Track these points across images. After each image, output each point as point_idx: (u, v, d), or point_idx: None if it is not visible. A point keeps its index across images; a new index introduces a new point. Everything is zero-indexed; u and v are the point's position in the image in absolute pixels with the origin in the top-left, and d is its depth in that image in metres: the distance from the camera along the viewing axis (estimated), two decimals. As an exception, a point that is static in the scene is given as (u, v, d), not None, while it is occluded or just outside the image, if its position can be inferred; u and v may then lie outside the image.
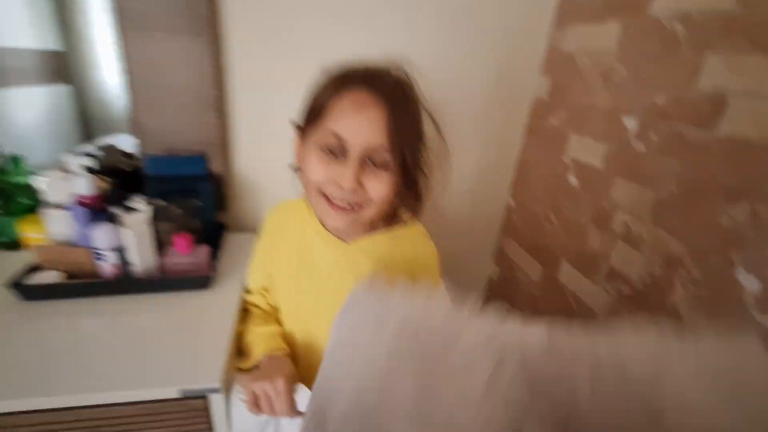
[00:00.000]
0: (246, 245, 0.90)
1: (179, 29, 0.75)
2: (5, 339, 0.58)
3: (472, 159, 1.09)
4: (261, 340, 0.66)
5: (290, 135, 0.66)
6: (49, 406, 0.51)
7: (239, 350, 0.67)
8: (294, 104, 0.63)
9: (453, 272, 1.23)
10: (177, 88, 0.80)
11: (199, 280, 0.73)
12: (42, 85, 0.96)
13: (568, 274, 0.92)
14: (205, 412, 0.56)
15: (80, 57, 0.95)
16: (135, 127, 0.81)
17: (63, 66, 0.95)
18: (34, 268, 0.69)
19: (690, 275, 0.64)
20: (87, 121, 1.01)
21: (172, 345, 0.60)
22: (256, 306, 0.76)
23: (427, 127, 0.62)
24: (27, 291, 0.66)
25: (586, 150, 0.86)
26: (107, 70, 0.96)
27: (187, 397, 0.54)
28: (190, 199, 0.75)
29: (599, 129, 0.83)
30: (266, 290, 0.75)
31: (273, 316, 0.75)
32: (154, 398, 0.53)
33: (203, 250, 0.75)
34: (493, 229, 1.22)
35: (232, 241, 0.93)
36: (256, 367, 0.62)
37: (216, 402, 0.56)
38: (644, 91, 0.72)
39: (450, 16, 0.89)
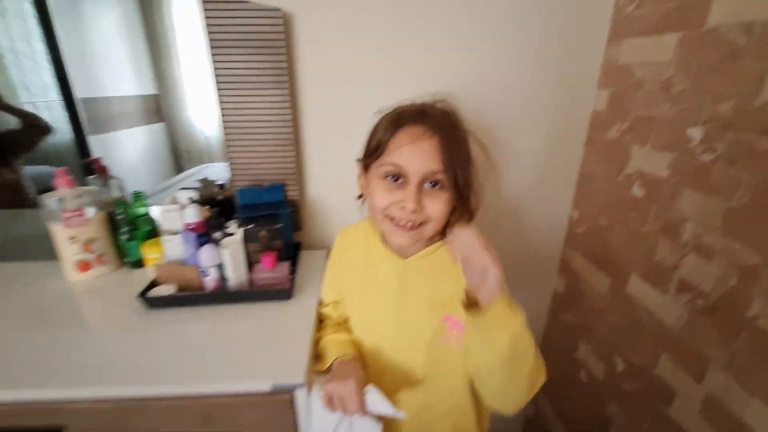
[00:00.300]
0: (318, 261, 1.01)
1: (265, 84, 0.90)
2: (135, 339, 0.73)
3: (533, 172, 1.10)
4: (333, 346, 0.75)
5: (351, 164, 0.76)
6: (170, 393, 0.63)
7: (316, 355, 0.76)
8: (355, 140, 0.73)
9: (517, 285, 1.24)
10: (262, 130, 0.94)
11: (282, 293, 0.84)
12: (141, 125, 1.14)
13: (637, 287, 0.90)
14: (291, 405, 0.65)
15: (171, 99, 1.12)
16: (229, 163, 0.96)
17: (157, 107, 1.13)
18: (154, 283, 0.85)
19: (768, 287, 0.61)
20: (177, 153, 1.20)
21: (261, 347, 0.71)
22: (329, 317, 0.85)
23: (475, 149, 0.68)
24: (150, 301, 0.81)
25: (649, 161, 0.85)
26: (192, 109, 1.13)
27: (276, 392, 0.63)
28: (272, 222, 0.87)
29: (662, 140, 0.81)
30: (337, 303, 0.85)
31: (343, 325, 0.83)
32: (249, 391, 0.63)
33: (284, 267, 0.86)
34: (557, 241, 1.21)
35: (306, 257, 1.04)
36: (330, 370, 0.71)
37: (300, 397, 0.65)
38: (706, 101, 0.71)
39: (508, 34, 0.94)
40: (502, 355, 0.56)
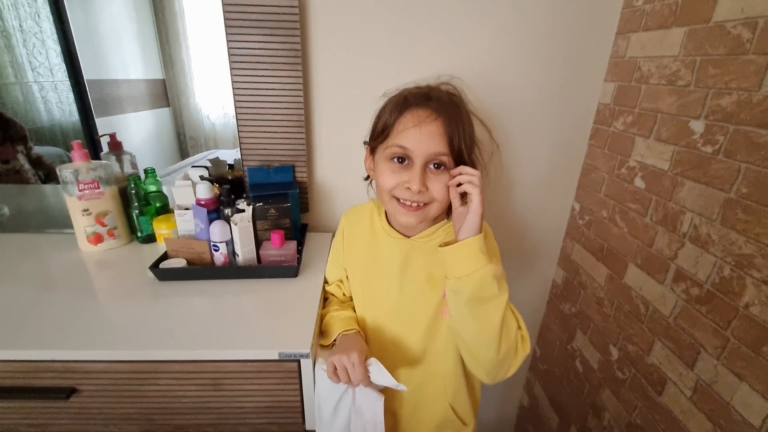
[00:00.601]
0: (323, 242, 1.04)
1: (278, 65, 0.92)
2: (147, 308, 0.76)
3: (537, 163, 1.12)
4: (338, 321, 0.77)
5: (358, 148, 0.78)
6: (181, 358, 0.66)
7: (320, 331, 0.79)
8: (362, 124, 0.75)
9: (517, 274, 1.26)
10: (273, 111, 0.96)
11: (289, 270, 0.86)
12: (148, 109, 1.16)
13: (635, 276, 0.92)
14: (297, 374, 0.68)
15: (178, 84, 1.14)
16: (240, 143, 0.98)
17: (164, 91, 1.14)
18: (165, 256, 0.88)
19: (762, 275, 0.64)
20: (181, 138, 1.22)
21: (268, 320, 0.73)
22: (333, 295, 0.88)
23: (478, 129, 0.70)
24: (161, 273, 0.83)
25: (652, 153, 0.87)
26: (198, 95, 1.15)
27: (283, 360, 0.66)
28: (281, 201, 0.89)
29: (665, 132, 0.83)
30: (341, 281, 0.87)
31: (347, 303, 0.86)
32: (257, 358, 0.66)
33: (292, 245, 0.88)
34: (558, 232, 1.23)
35: (312, 238, 1.06)
36: (334, 344, 0.73)
37: (305, 366, 0.67)
38: (710, 94, 0.72)
39: (517, 26, 0.96)
40: (467, 291, 0.60)
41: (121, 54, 1.12)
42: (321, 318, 0.80)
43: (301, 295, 0.81)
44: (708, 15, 0.72)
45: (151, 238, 1.01)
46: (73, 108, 1.10)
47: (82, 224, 0.94)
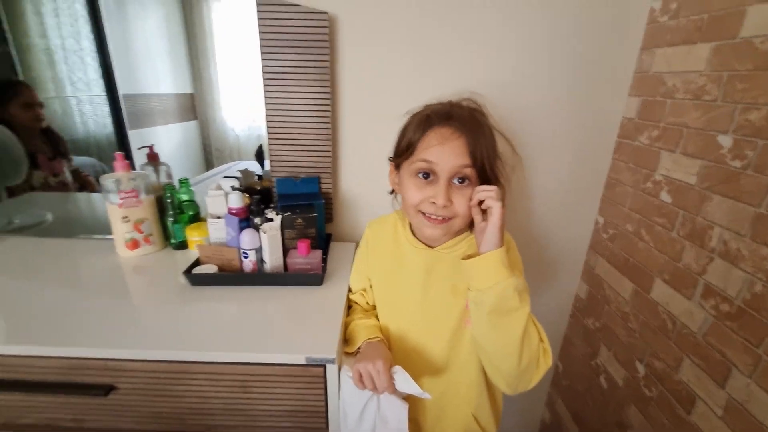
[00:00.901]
0: (347, 252, 1.06)
1: (308, 82, 0.96)
2: (180, 311, 0.79)
3: (560, 177, 1.13)
4: (362, 329, 0.79)
5: (381, 162, 0.82)
6: (212, 359, 0.69)
7: (345, 338, 0.81)
8: (385, 138, 0.78)
9: (539, 287, 1.26)
10: (301, 125, 1.00)
11: (314, 278, 0.89)
12: (176, 122, 1.22)
13: (662, 292, 0.91)
14: (323, 379, 0.70)
15: (206, 98, 1.20)
16: (270, 155, 1.02)
17: (192, 105, 1.20)
18: (198, 262, 0.92)
19: (795, 293, 0.62)
20: (207, 150, 1.26)
21: (294, 325, 0.76)
22: (357, 303, 0.90)
23: (501, 143, 0.72)
24: (194, 278, 0.87)
25: (679, 167, 0.86)
26: (225, 109, 1.20)
27: (309, 365, 0.68)
28: (308, 211, 0.93)
29: (692, 147, 0.83)
30: (365, 290, 0.89)
31: (371, 311, 0.88)
32: (284, 362, 0.68)
33: (317, 254, 0.91)
34: (581, 246, 1.22)
35: (336, 248, 1.09)
36: (358, 351, 0.75)
37: (331, 371, 0.69)
38: (738, 109, 0.72)
39: (541, 40, 0.98)
40: (489, 303, 0.61)
41: (153, 69, 1.19)
42: (345, 326, 0.82)
43: (325, 302, 0.83)
44: (735, 31, 0.73)
45: (183, 245, 1.06)
46: (108, 120, 1.18)
47: (121, 231, 0.99)
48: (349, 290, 0.90)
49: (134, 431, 0.76)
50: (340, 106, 1.04)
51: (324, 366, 0.69)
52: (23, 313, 0.77)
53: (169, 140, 1.23)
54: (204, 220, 1.05)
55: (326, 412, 0.73)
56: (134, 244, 1.01)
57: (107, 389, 0.71)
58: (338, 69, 1.00)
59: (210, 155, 1.27)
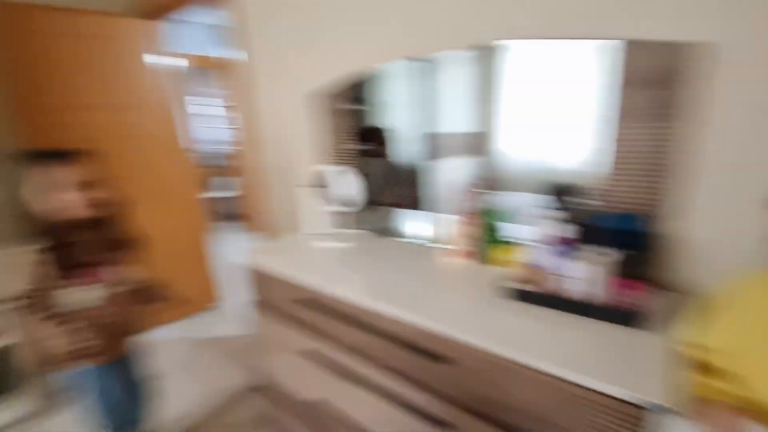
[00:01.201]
0: (673, 302, 0.98)
1: (657, 118, 0.98)
2: (500, 315, 0.96)
3: None
4: (721, 393, 0.69)
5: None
6: (535, 366, 0.80)
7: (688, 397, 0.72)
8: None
9: None
10: (637, 161, 1.02)
11: (635, 318, 0.87)
12: (464, 156, 1.42)
13: None
14: (636, 421, 0.69)
15: (489, 135, 1.34)
16: (606, 189, 1.09)
17: (478, 143, 1.36)
18: (512, 279, 1.07)
19: None
20: (489, 183, 1.36)
21: (610, 360, 0.78)
22: (712, 366, 0.75)
23: None
24: (517, 292, 1.02)
25: None
26: (502, 144, 1.31)
27: (628, 401, 0.69)
28: (637, 250, 0.92)
29: None
30: (728, 354, 0.73)
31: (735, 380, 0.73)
32: (607, 392, 0.71)
33: (643, 294, 0.90)
34: None
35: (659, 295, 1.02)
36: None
37: (651, 420, 0.67)
38: None
39: None
40: None
41: (452, 112, 1.43)
42: (696, 384, 0.72)
43: (646, 346, 0.81)
44: None
45: (488, 261, 1.27)
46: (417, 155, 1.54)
47: (455, 240, 1.29)
48: (698, 346, 0.76)
49: (453, 401, 0.97)
50: (702, 141, 0.98)
51: (643, 409, 0.68)
52: (389, 286, 1.14)
53: (453, 171, 1.46)
54: (509, 243, 1.24)
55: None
56: (460, 254, 1.29)
57: (446, 359, 0.95)
58: (708, 102, 0.94)
59: (489, 185, 1.41)
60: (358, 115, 1.67)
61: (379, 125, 1.67)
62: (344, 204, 1.54)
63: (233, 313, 2.85)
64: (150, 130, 2.54)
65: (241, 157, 2.51)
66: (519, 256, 1.17)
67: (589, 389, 0.74)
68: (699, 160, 0.97)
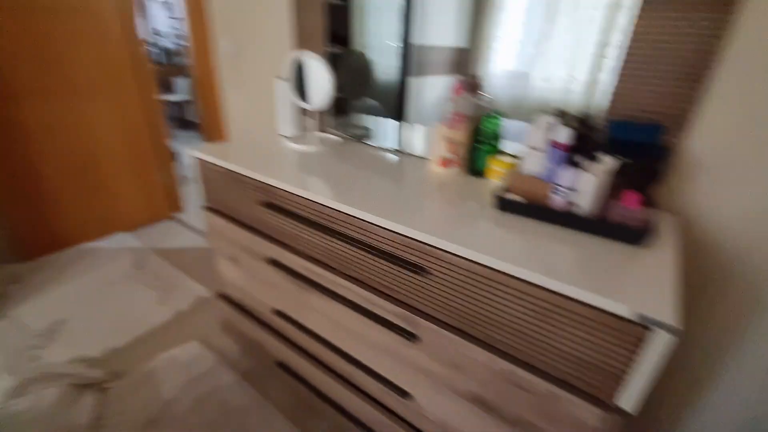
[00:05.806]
0: (671, 224, 0.88)
1: (695, 6, 0.79)
2: (491, 228, 0.84)
3: None
4: None
5: None
6: (521, 276, 0.70)
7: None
8: None
9: None
10: (660, 60, 0.85)
11: (637, 235, 0.77)
12: (443, 75, 1.26)
13: None
14: (639, 342, 0.61)
15: (475, 53, 1.17)
16: (614, 93, 0.93)
17: (462, 60, 1.20)
18: (503, 190, 0.94)
19: None
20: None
21: (612, 276, 0.68)
22: None
23: None
24: (504, 203, 0.90)
25: None
26: (492, 64, 1.15)
27: (631, 320, 0.60)
28: (645, 162, 0.79)
29: None
30: None
31: None
32: (603, 308, 0.63)
33: (647, 210, 0.79)
34: None
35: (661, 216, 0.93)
36: None
37: (655, 338, 0.59)
38: None
39: None
40: None
41: (439, 23, 1.23)
42: None
43: (647, 265, 0.72)
44: None
45: (480, 173, 1.13)
46: (396, 69, 1.34)
47: (438, 148, 1.13)
48: None
49: (429, 316, 0.89)
50: (735, 42, 0.81)
51: (646, 328, 0.60)
52: (361, 190, 1.00)
53: (435, 91, 1.31)
54: (502, 154, 1.10)
55: (622, 378, 0.65)
56: (446, 163, 1.14)
57: (421, 270, 0.84)
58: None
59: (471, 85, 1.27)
60: (336, 12, 1.42)
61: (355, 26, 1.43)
62: (317, 98, 1.31)
63: (196, 222, 2.71)
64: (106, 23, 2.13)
65: (190, 52, 2.18)
66: (510, 164, 1.03)
67: (589, 306, 0.65)
68: (726, 60, 0.82)
